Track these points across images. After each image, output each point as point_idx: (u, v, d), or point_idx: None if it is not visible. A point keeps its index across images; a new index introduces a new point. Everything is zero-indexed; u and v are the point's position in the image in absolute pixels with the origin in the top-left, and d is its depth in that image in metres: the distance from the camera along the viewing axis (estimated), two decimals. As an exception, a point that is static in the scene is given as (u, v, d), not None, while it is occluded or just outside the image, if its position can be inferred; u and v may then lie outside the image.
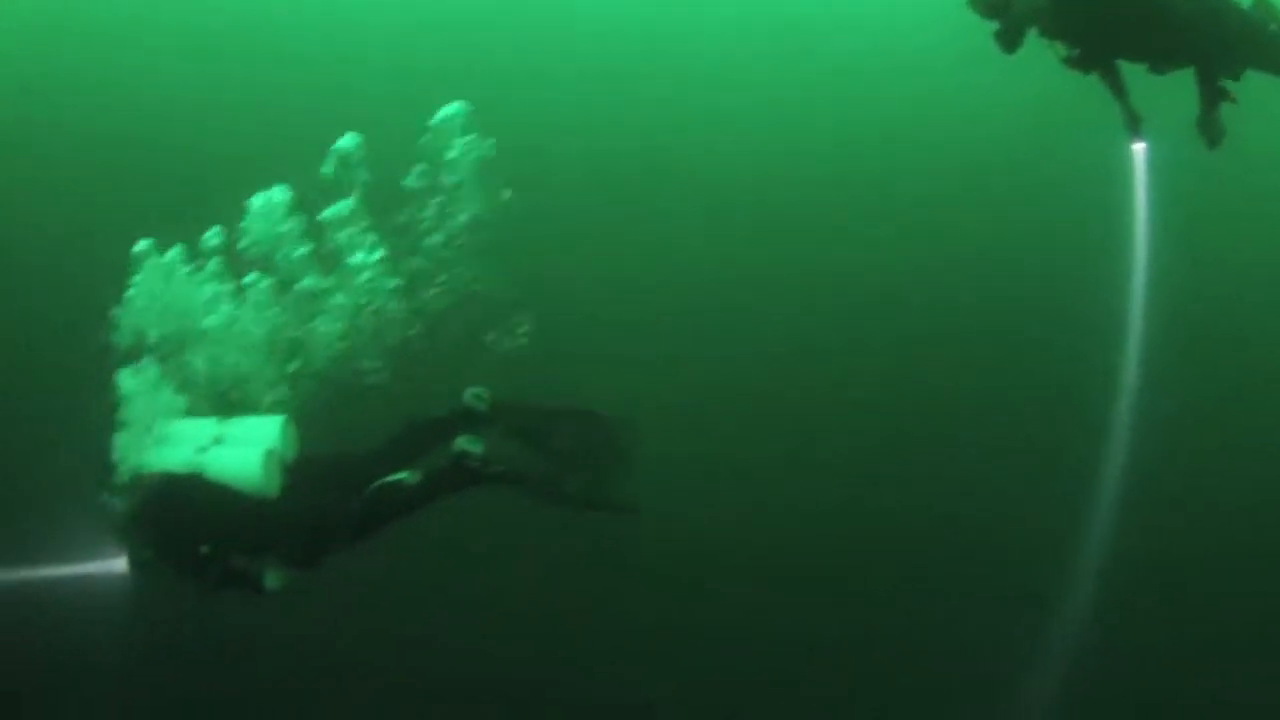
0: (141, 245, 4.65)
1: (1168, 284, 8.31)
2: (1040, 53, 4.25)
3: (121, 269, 4.72)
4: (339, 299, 4.88)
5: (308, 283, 4.74)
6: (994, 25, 3.91)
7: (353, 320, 4.93)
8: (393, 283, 4.89)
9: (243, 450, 4.03)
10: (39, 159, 9.33)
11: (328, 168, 4.67)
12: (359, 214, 4.81)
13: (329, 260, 4.80)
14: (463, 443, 3.78)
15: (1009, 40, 3.91)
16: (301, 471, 4.12)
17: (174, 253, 4.61)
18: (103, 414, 4.35)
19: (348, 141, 4.61)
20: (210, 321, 4.60)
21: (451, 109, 4.67)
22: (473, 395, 4.04)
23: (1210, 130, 3.91)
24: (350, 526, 3.96)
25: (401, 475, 3.89)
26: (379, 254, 4.78)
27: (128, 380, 4.47)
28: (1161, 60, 4.05)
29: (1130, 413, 9.44)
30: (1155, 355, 8.90)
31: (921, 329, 9.72)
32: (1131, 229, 6.95)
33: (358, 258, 4.78)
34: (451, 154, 4.69)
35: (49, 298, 8.42)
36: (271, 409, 4.33)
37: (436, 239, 4.93)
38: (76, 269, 7.38)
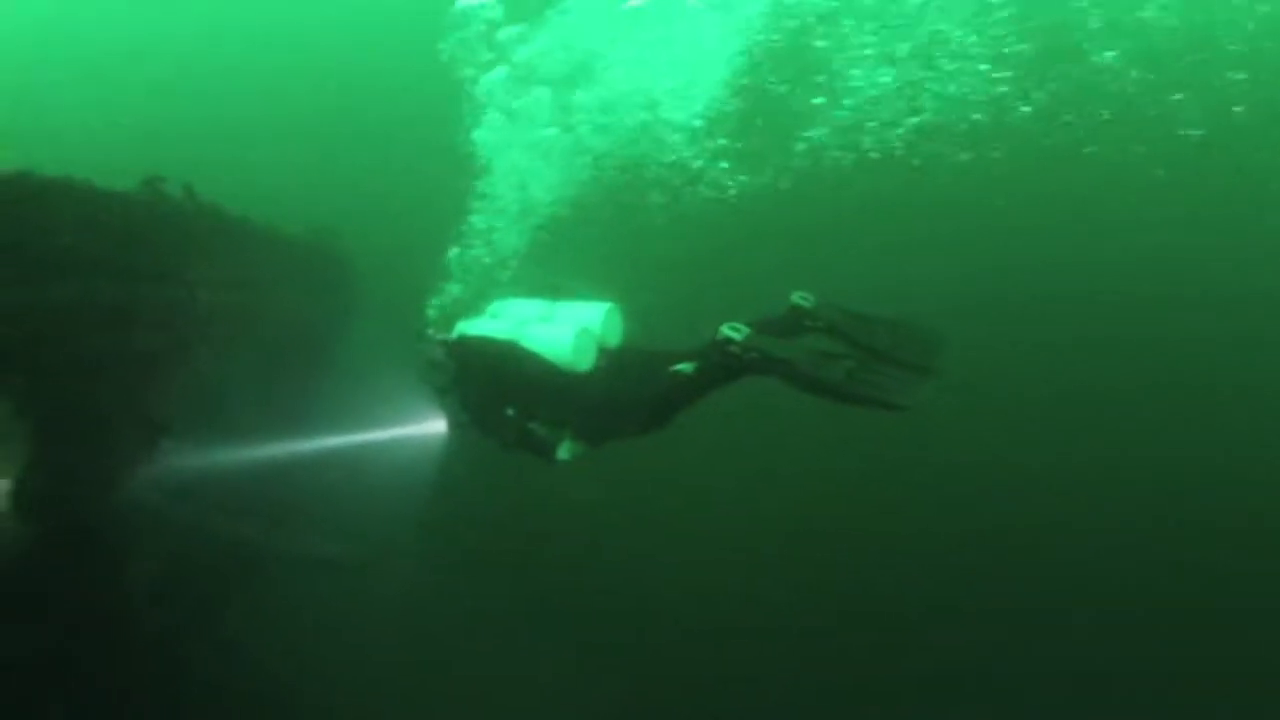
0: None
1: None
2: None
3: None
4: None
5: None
6: None
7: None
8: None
9: (560, 327, 4.21)
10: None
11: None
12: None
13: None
14: (726, 329, 3.72)
15: None
16: (618, 358, 4.26)
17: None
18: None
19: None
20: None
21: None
22: (799, 295, 4.02)
23: None
24: (640, 414, 4.03)
25: (681, 365, 3.90)
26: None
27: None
28: None
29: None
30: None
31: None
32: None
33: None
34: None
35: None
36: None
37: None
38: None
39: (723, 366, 3.76)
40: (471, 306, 4.82)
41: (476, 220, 5.56)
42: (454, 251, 5.39)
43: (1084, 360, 12.99)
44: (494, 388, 4.34)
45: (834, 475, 11.83)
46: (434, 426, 5.23)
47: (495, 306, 4.65)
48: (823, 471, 11.87)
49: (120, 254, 5.20)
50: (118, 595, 5.87)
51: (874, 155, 10.34)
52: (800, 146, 10.29)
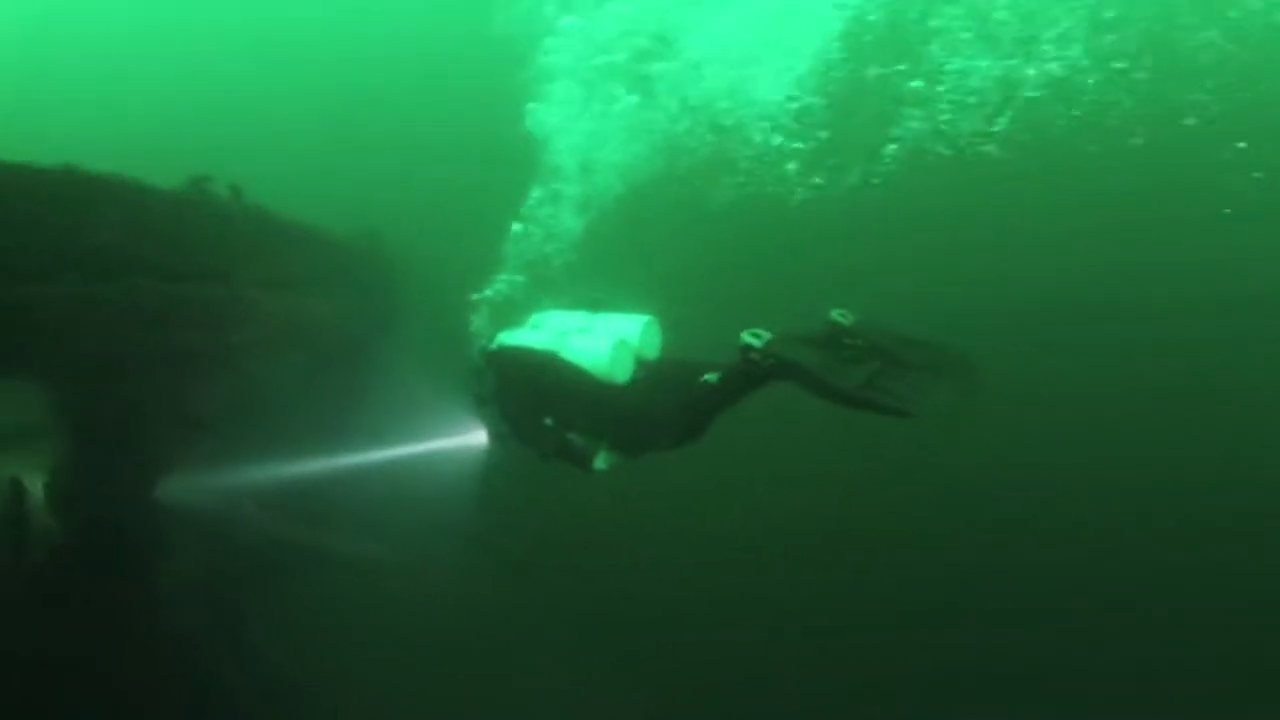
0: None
1: None
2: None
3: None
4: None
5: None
6: None
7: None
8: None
9: (599, 339, 4.26)
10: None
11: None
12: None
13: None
14: (746, 335, 3.82)
15: None
16: (656, 371, 4.31)
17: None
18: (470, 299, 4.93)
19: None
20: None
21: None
22: (839, 312, 4.04)
23: None
24: (673, 425, 4.11)
25: (708, 375, 3.99)
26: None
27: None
28: None
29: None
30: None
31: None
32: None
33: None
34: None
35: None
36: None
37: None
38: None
39: (745, 374, 3.85)
40: (520, 305, 4.89)
41: (536, 200, 5.53)
42: (514, 228, 5.34)
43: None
44: (533, 398, 4.39)
45: (859, 480, 11.79)
46: (475, 436, 5.24)
47: (536, 318, 4.70)
48: (847, 477, 11.82)
49: (165, 252, 5.17)
50: (148, 594, 5.84)
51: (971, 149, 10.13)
52: (889, 145, 10.08)
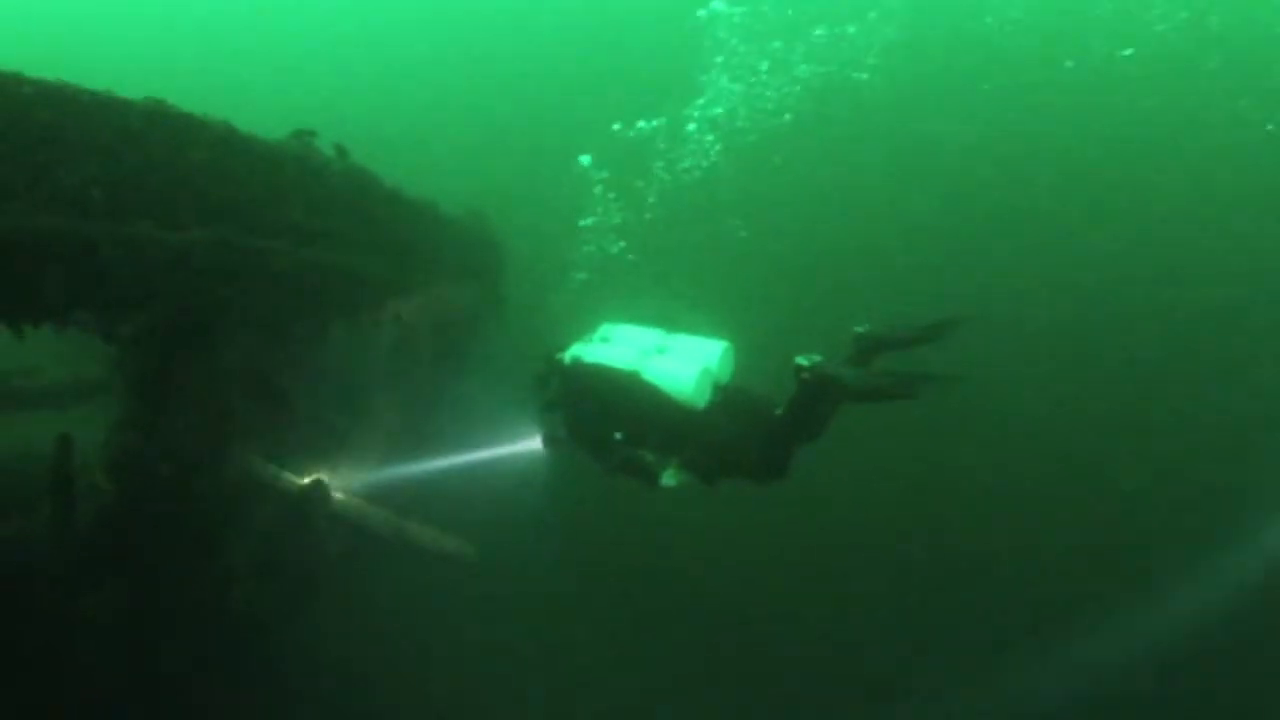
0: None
1: None
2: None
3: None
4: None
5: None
6: None
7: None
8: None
9: (683, 363, 4.38)
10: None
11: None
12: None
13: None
14: (799, 359, 4.01)
15: None
16: (729, 397, 4.44)
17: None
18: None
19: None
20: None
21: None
22: (860, 326, 4.32)
23: None
24: (752, 458, 4.23)
25: (778, 410, 4.19)
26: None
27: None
28: None
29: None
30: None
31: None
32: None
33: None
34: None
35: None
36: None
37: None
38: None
39: (804, 398, 4.02)
40: (603, 289, 4.85)
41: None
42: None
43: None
44: (607, 413, 4.45)
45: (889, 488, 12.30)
46: (532, 441, 5.25)
47: (605, 330, 4.79)
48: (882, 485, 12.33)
49: (256, 204, 4.75)
50: (206, 569, 5.45)
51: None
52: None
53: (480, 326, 8.67)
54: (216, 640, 5.81)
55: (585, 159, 11.79)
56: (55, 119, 3.84)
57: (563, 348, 4.75)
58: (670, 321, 4.78)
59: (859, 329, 4.30)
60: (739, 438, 4.24)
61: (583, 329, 4.91)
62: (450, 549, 8.51)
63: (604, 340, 4.71)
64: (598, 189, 11.70)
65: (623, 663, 9.94)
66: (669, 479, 4.37)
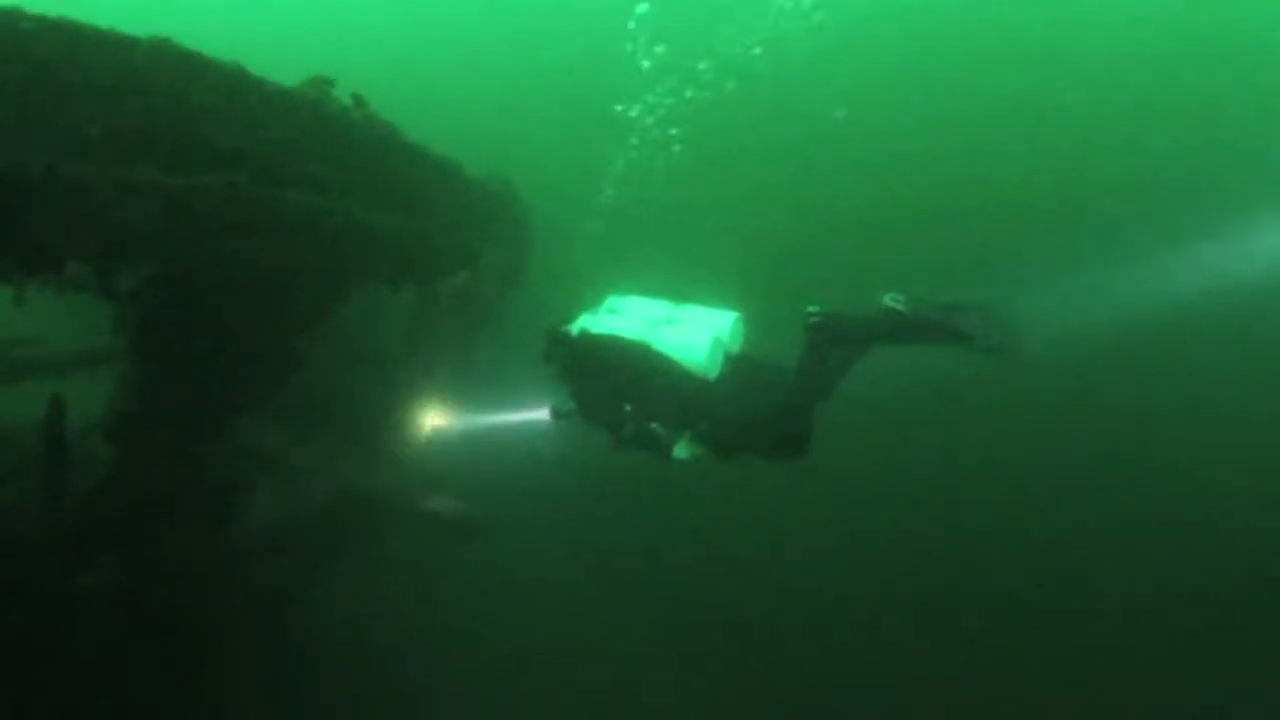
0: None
1: None
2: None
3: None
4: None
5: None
6: None
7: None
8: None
9: (694, 333, 4.29)
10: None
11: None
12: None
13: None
14: (808, 308, 4.02)
15: None
16: (739, 367, 4.34)
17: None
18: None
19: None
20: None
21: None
22: (891, 298, 4.07)
23: None
24: (769, 430, 4.11)
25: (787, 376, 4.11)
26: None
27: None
28: None
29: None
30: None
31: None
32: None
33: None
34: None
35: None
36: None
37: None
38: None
39: (814, 344, 3.99)
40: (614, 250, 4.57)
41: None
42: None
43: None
44: (617, 384, 4.36)
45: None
46: (540, 411, 5.13)
47: (612, 302, 4.70)
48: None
49: (269, 151, 4.39)
50: (225, 541, 5.17)
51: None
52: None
53: (505, 293, 8.30)
54: (221, 618, 5.55)
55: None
56: (53, 56, 3.55)
57: (569, 320, 4.65)
58: (678, 293, 4.69)
59: (893, 302, 4.12)
60: (752, 406, 4.14)
61: (589, 301, 4.82)
62: (460, 517, 8.25)
63: (612, 312, 4.63)
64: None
65: (635, 655, 9.89)
66: (681, 451, 4.27)
